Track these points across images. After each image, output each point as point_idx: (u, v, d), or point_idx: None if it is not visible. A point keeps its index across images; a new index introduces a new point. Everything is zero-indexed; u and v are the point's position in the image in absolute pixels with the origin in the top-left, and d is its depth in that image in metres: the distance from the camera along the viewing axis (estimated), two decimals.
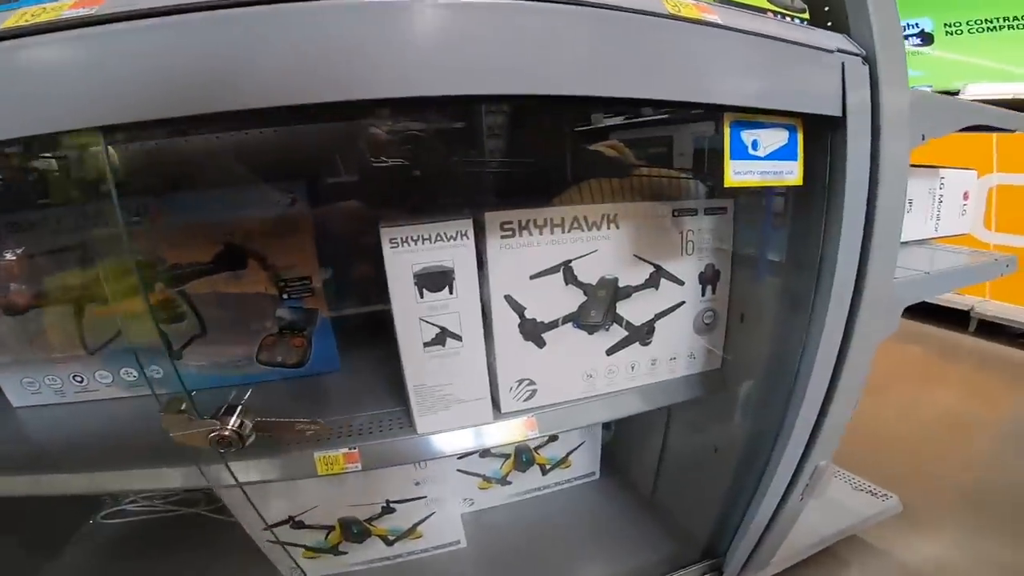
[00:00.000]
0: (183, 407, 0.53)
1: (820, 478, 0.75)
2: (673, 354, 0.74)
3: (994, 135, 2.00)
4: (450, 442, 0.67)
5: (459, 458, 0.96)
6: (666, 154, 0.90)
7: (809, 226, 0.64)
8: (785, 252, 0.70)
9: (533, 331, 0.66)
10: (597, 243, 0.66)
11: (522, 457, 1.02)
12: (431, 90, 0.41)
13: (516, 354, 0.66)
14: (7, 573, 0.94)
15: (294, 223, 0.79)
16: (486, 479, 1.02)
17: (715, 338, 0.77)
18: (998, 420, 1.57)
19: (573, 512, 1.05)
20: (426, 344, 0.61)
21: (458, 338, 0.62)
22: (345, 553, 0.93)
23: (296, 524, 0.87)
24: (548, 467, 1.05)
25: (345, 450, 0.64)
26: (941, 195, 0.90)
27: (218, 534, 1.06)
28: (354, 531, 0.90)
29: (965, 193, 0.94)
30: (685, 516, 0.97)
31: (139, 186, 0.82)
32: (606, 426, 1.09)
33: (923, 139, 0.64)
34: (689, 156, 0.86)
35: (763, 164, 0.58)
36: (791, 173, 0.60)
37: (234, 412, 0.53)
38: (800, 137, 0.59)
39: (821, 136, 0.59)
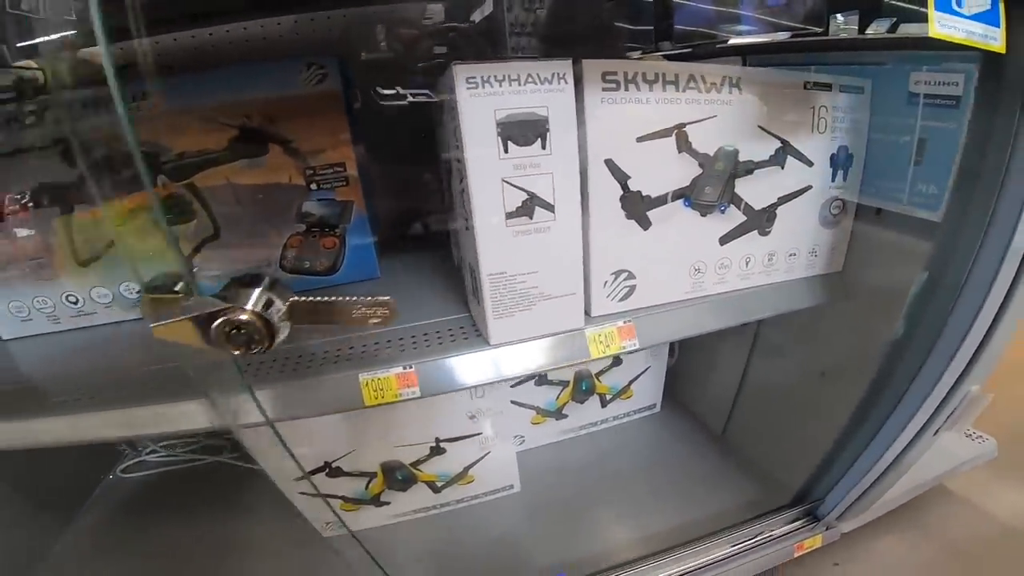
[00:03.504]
0: (176, 286, 0.36)
1: (971, 407, 0.60)
2: (793, 249, 0.59)
3: None
4: (531, 356, 0.51)
5: (512, 386, 0.81)
6: None
7: (998, 108, 0.48)
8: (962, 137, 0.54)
9: (637, 207, 0.50)
10: (716, 107, 0.51)
11: (582, 385, 0.87)
12: None
13: (615, 236, 0.50)
14: (27, 539, 0.81)
15: (324, 101, 0.64)
16: (540, 412, 0.87)
17: (841, 234, 0.61)
18: None
19: (634, 450, 0.91)
20: (509, 215, 0.45)
21: (550, 208, 0.46)
22: (388, 503, 0.79)
23: (333, 472, 0.73)
24: (609, 397, 0.90)
25: (399, 369, 0.50)
26: None
27: (244, 484, 0.94)
28: (398, 477, 0.76)
29: None
30: (768, 454, 0.82)
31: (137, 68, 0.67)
32: (669, 351, 0.94)
33: None
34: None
35: (968, 23, 0.44)
36: (994, 39, 0.46)
37: (257, 285, 0.36)
38: (1002, 7, 0.45)
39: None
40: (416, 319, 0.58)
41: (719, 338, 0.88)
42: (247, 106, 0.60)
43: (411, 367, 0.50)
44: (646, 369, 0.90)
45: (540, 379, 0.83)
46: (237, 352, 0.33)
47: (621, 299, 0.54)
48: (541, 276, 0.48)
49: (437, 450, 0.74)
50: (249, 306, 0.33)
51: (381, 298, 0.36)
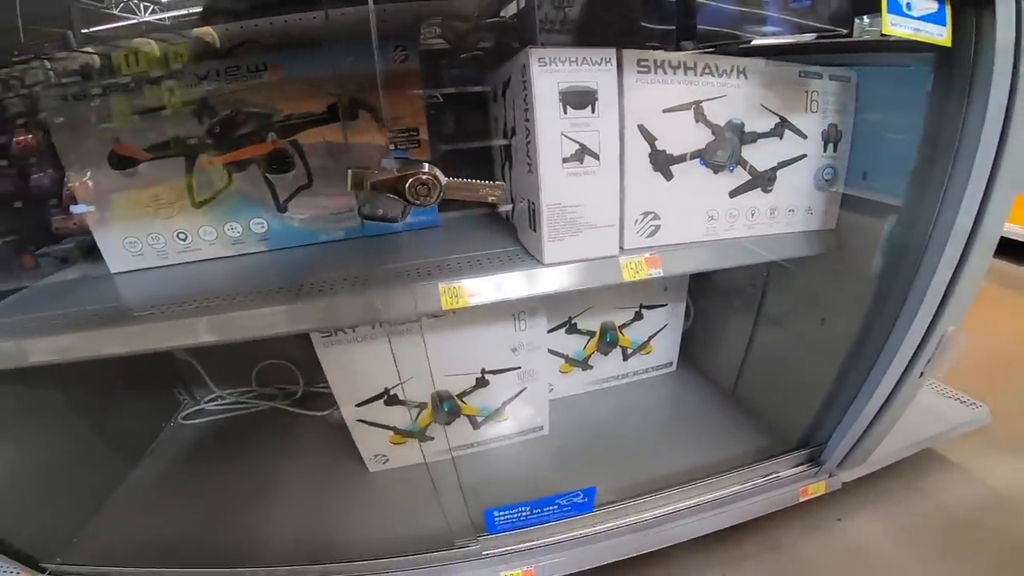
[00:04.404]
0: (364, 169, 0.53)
1: (948, 347, 0.73)
2: (792, 206, 0.74)
3: None
4: (576, 274, 0.67)
5: (549, 331, 0.96)
6: None
7: (950, 92, 0.63)
8: (921, 117, 0.68)
9: (662, 162, 0.67)
10: (727, 89, 0.68)
11: (607, 336, 1.02)
12: None
13: (644, 184, 0.66)
14: (99, 482, 0.96)
15: (405, 77, 0.81)
16: (569, 360, 1.02)
17: (833, 196, 0.77)
18: None
19: (652, 403, 1.05)
20: (565, 160, 0.61)
21: (596, 156, 0.62)
22: (431, 439, 0.93)
23: (390, 400, 0.87)
24: (630, 351, 1.05)
25: (469, 279, 0.65)
26: None
27: (297, 428, 1.09)
28: (445, 409, 0.90)
29: None
30: (774, 406, 0.96)
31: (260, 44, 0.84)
32: (685, 314, 1.09)
33: None
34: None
35: (915, 22, 0.60)
36: (940, 35, 0.62)
37: (422, 164, 0.52)
38: (948, 11, 0.60)
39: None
40: (477, 249, 0.74)
41: (730, 300, 1.04)
42: (345, 78, 0.78)
43: (478, 278, 0.66)
44: (664, 326, 1.05)
45: (570, 328, 0.99)
46: (418, 199, 0.51)
47: (648, 236, 0.69)
48: (587, 209, 0.64)
49: (482, 382, 0.88)
50: (426, 169, 0.50)
51: (498, 182, 0.53)
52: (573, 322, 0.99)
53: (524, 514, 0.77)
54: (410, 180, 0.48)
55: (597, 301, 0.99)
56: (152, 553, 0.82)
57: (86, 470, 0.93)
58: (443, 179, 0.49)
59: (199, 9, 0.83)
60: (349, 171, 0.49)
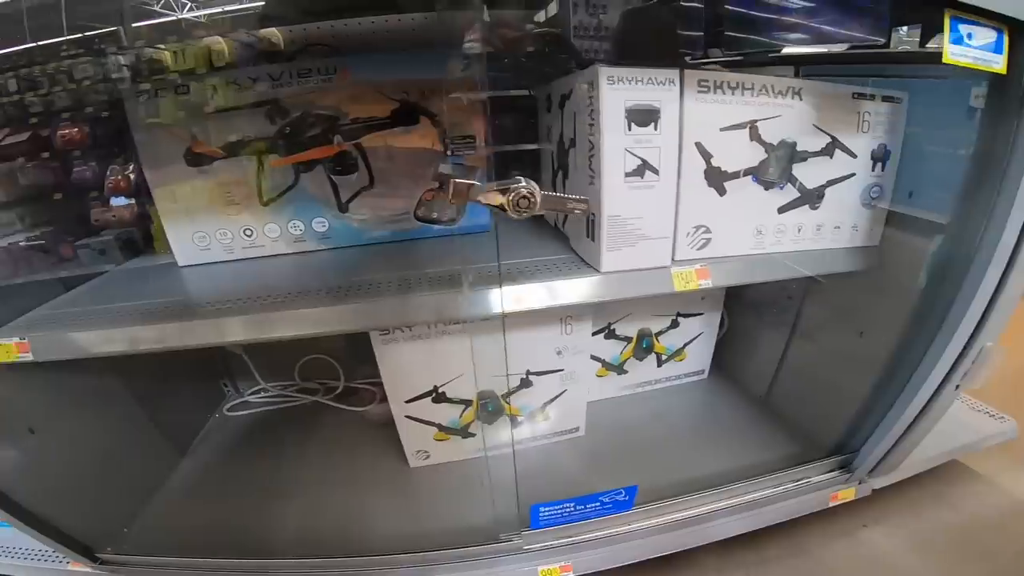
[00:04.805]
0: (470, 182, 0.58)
1: (984, 362, 0.76)
2: (838, 223, 0.78)
3: None
4: (631, 283, 0.71)
5: (593, 334, 1.00)
6: None
7: (1001, 115, 0.67)
8: (968, 138, 0.72)
9: (717, 178, 0.71)
10: (781, 110, 0.72)
11: (643, 342, 1.06)
12: None
13: (698, 199, 0.71)
14: (152, 472, 1.02)
15: (465, 85, 0.86)
16: (605, 365, 1.07)
17: (878, 214, 0.80)
18: None
19: (684, 408, 1.10)
20: (627, 174, 0.66)
21: (656, 171, 0.66)
22: (473, 435, 0.98)
23: (438, 397, 0.92)
24: (665, 357, 1.09)
25: (533, 284, 0.70)
26: None
27: (338, 423, 1.14)
28: (489, 408, 0.95)
29: None
30: (807, 415, 1.00)
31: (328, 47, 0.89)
32: (720, 323, 1.13)
33: None
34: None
35: (975, 51, 0.63)
36: (997, 63, 0.66)
37: (517, 181, 0.56)
38: (1007, 40, 0.64)
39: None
40: (531, 255, 0.79)
41: (765, 311, 1.08)
42: (408, 84, 0.82)
43: (538, 283, 0.70)
44: (699, 334, 1.09)
45: (608, 333, 1.03)
46: (518, 212, 0.55)
47: (699, 248, 0.74)
48: (644, 221, 0.69)
49: (526, 382, 0.93)
50: (524, 183, 0.55)
51: (582, 197, 0.58)
52: (612, 328, 1.03)
53: (568, 510, 0.82)
54: (512, 194, 0.53)
55: (636, 308, 1.03)
56: (199, 543, 0.86)
57: (141, 460, 0.99)
58: (540, 193, 0.54)
59: (271, 10, 0.88)
60: (452, 182, 0.53)
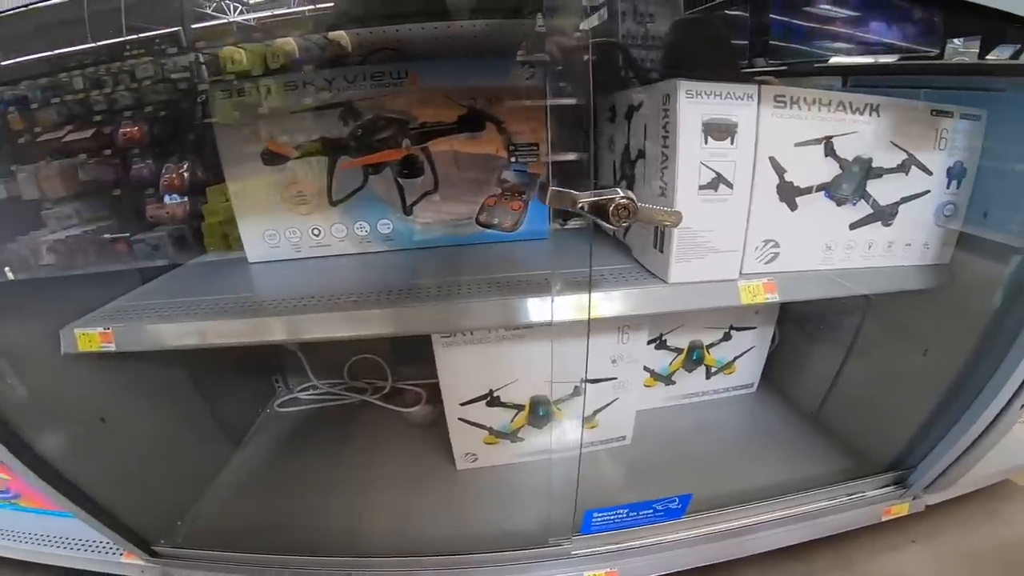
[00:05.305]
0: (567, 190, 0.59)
1: None
2: (910, 240, 0.78)
3: None
4: (697, 294, 0.73)
5: (648, 342, 1.02)
6: None
7: None
8: None
9: (789, 193, 0.72)
10: (858, 126, 0.72)
11: (693, 354, 1.07)
12: None
13: (769, 213, 0.72)
14: (207, 465, 1.06)
15: (530, 94, 0.89)
16: (654, 375, 1.08)
17: (950, 232, 0.80)
18: None
19: (732, 420, 1.10)
20: (701, 187, 0.67)
21: (729, 185, 0.68)
22: (522, 440, 1.00)
23: (492, 401, 0.95)
24: (714, 370, 1.10)
25: (602, 293, 0.72)
26: None
27: (383, 423, 1.17)
28: (540, 413, 0.97)
29: None
30: (862, 431, 1.00)
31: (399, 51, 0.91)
32: (772, 336, 1.13)
33: None
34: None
35: None
36: None
37: (614, 191, 0.58)
38: None
39: None
40: (597, 265, 0.81)
41: (821, 326, 1.08)
42: (476, 90, 0.85)
43: (610, 292, 0.72)
44: (750, 348, 1.10)
45: (660, 343, 1.05)
46: (617, 221, 0.57)
47: (767, 262, 0.75)
48: (715, 234, 0.70)
49: (579, 389, 0.95)
50: (622, 193, 0.57)
51: (674, 209, 0.60)
52: (663, 338, 1.05)
53: (621, 516, 0.83)
54: (613, 204, 0.55)
55: (689, 319, 1.04)
56: (248, 539, 0.89)
57: (199, 452, 1.03)
58: (637, 204, 0.56)
59: (338, 13, 0.92)
60: (551, 190, 0.56)
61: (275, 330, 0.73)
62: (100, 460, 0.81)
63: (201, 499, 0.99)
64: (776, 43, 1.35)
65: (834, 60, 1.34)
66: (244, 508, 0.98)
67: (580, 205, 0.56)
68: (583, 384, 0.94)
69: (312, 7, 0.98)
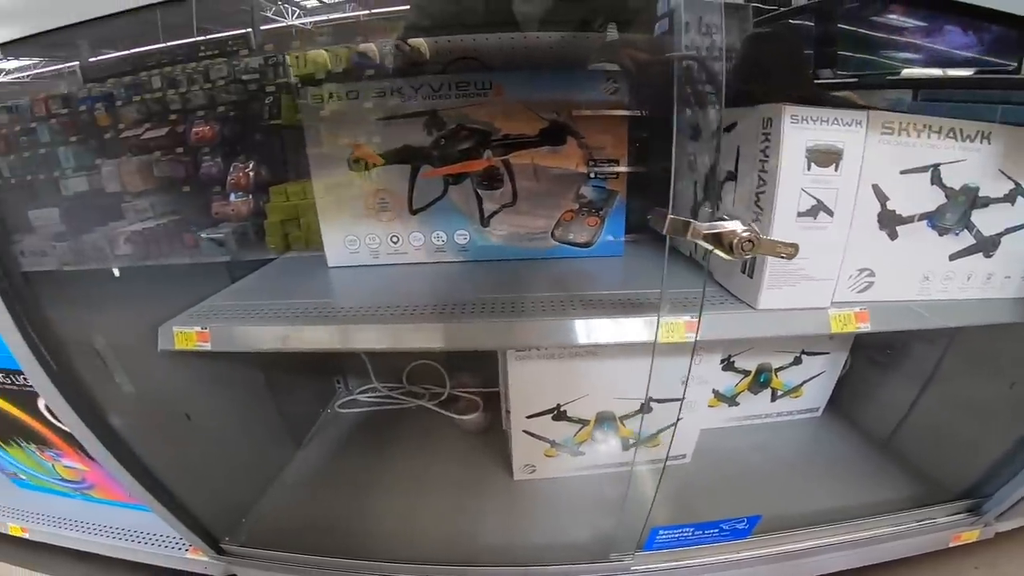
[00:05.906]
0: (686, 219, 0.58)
1: None
2: (1010, 272, 0.76)
3: None
4: (788, 321, 0.73)
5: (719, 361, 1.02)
6: None
7: None
8: None
9: (890, 221, 0.71)
10: (967, 153, 0.70)
11: (760, 377, 1.07)
12: None
13: (867, 242, 0.71)
14: (273, 463, 1.10)
15: (613, 108, 0.90)
16: (718, 395, 1.08)
17: None
18: None
19: (796, 444, 1.09)
20: (800, 214, 0.67)
21: (830, 213, 0.68)
22: (582, 454, 1.02)
23: (558, 415, 0.96)
24: (780, 393, 1.10)
25: (687, 317, 0.72)
26: None
27: (439, 429, 1.20)
28: (604, 428, 0.98)
29: None
30: (936, 459, 0.98)
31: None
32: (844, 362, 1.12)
33: None
34: None
35: None
36: None
37: (734, 223, 0.57)
38: None
39: None
40: (671, 286, 0.80)
41: (900, 355, 1.06)
42: (558, 104, 0.86)
43: (693, 317, 0.71)
44: (820, 373, 1.08)
45: (727, 364, 1.04)
46: (740, 253, 0.56)
47: (860, 291, 0.74)
48: (810, 262, 0.70)
49: (646, 408, 0.96)
50: (742, 226, 0.57)
51: (791, 242, 0.59)
52: (732, 360, 1.04)
53: (687, 534, 0.84)
54: (737, 238, 0.55)
55: (760, 342, 1.04)
56: (307, 539, 0.91)
57: (266, 451, 1.07)
58: (761, 236, 0.56)
59: (414, 19, 0.94)
60: (669, 218, 0.56)
61: (359, 339, 0.76)
62: (182, 456, 0.85)
63: (264, 497, 1.02)
64: (845, 53, 1.33)
65: (906, 72, 1.32)
66: (305, 508, 1.01)
67: (701, 235, 0.56)
68: (651, 402, 0.95)
69: (391, 9, 1.01)
